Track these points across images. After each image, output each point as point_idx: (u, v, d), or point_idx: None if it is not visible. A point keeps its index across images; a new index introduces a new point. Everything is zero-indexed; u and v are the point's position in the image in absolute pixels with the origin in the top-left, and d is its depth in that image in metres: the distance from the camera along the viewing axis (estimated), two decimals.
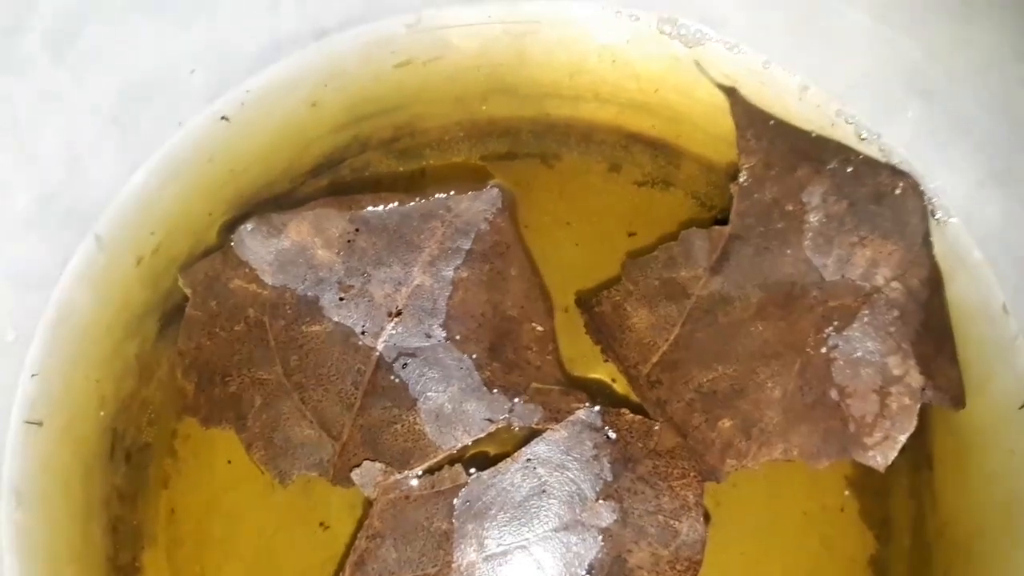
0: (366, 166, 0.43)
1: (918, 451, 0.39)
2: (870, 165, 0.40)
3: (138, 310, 0.41)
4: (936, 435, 0.39)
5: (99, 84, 0.38)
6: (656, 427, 0.35)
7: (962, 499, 0.39)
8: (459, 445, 0.36)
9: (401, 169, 0.43)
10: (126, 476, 0.40)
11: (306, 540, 0.39)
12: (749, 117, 0.42)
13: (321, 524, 0.39)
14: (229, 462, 0.40)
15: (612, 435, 0.35)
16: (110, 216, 0.40)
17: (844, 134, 0.41)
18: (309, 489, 0.39)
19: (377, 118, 0.43)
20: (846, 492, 0.39)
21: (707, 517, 0.35)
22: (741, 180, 0.40)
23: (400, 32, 0.43)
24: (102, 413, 0.40)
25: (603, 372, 0.40)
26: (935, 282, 0.38)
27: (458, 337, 0.38)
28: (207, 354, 0.39)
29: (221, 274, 0.39)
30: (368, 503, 0.38)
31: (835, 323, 0.37)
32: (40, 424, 0.38)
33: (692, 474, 0.34)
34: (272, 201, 0.42)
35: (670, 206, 0.42)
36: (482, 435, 0.36)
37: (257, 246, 0.39)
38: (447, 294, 0.39)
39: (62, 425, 0.39)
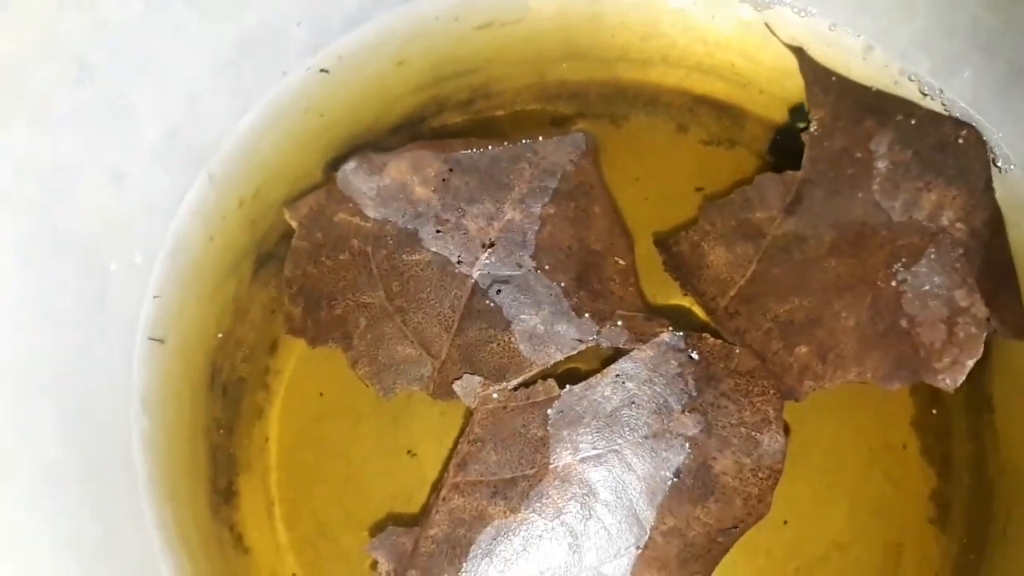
0: (443, 126, 0.45)
1: (977, 394, 0.41)
2: (933, 118, 0.42)
3: (238, 251, 0.43)
4: (995, 377, 0.41)
5: (221, 27, 0.40)
6: (736, 350, 0.38)
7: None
8: (551, 361, 0.38)
9: (477, 127, 0.45)
10: (224, 407, 0.42)
11: (394, 466, 0.41)
12: (815, 73, 0.44)
13: (409, 452, 0.41)
14: (320, 395, 0.42)
15: (695, 356, 0.38)
16: (221, 156, 0.43)
17: (907, 91, 0.43)
18: (396, 420, 0.41)
19: (457, 79, 0.45)
20: (909, 431, 0.41)
21: (787, 430, 0.37)
22: (812, 129, 0.42)
23: None
24: (204, 344, 0.42)
25: (682, 301, 0.42)
26: (997, 224, 0.40)
27: (547, 267, 0.40)
28: (313, 280, 0.41)
29: (326, 208, 0.42)
30: (454, 431, 0.40)
31: (903, 260, 0.39)
32: (162, 342, 0.41)
33: (771, 391, 0.37)
34: (367, 147, 0.44)
35: (735, 163, 0.44)
36: (573, 352, 0.38)
37: (359, 183, 0.42)
38: (536, 228, 0.41)
39: (176, 348, 0.42)
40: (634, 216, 0.43)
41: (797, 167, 0.41)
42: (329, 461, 0.41)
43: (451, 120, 0.45)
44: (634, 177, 0.44)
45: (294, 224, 0.42)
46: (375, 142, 0.44)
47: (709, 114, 0.45)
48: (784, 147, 0.44)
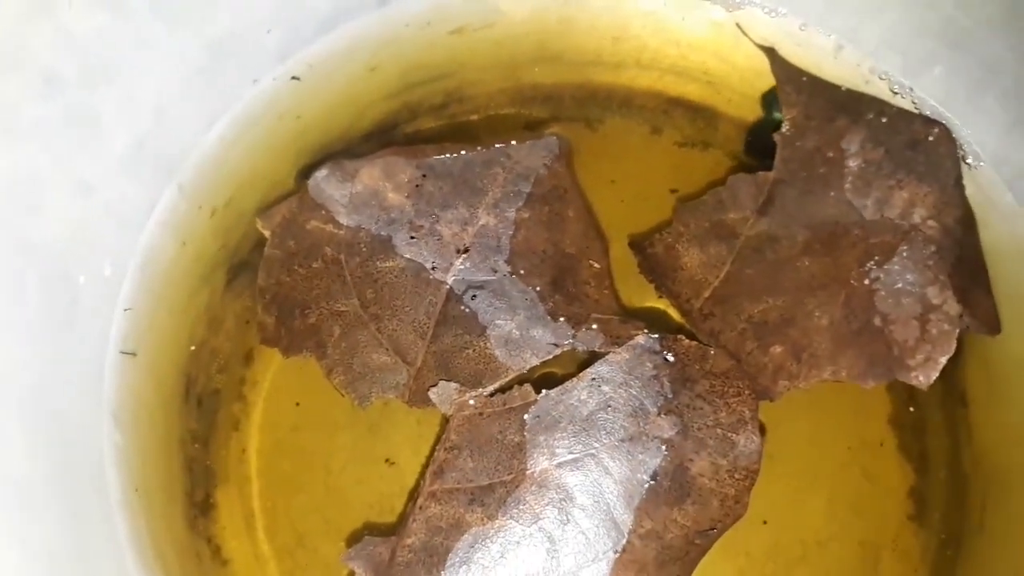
0: (417, 131, 0.44)
1: (952, 390, 0.42)
2: (904, 116, 0.42)
3: (210, 261, 0.43)
4: (968, 373, 0.41)
5: (188, 36, 0.40)
6: (711, 351, 0.38)
7: (996, 433, 0.41)
8: (527, 366, 0.38)
9: (450, 132, 0.44)
10: (199, 419, 0.42)
11: (372, 475, 0.41)
12: (787, 73, 0.44)
13: (387, 461, 0.41)
14: (297, 404, 0.42)
15: (670, 358, 0.38)
16: (191, 165, 0.42)
17: (878, 90, 0.44)
18: (374, 428, 0.41)
19: (430, 84, 0.44)
20: (886, 427, 0.41)
21: (762, 430, 0.37)
22: (784, 130, 0.42)
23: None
24: (178, 356, 0.42)
25: (657, 303, 0.42)
26: (968, 220, 0.40)
27: (522, 271, 0.40)
28: (286, 289, 0.41)
29: (298, 216, 0.42)
30: (431, 439, 0.40)
31: (876, 258, 0.39)
32: (134, 355, 0.41)
33: (747, 392, 0.37)
34: (339, 154, 0.43)
35: (709, 165, 0.44)
36: (548, 357, 0.38)
37: (332, 190, 0.42)
38: (510, 233, 0.41)
39: (148, 360, 0.41)
40: (609, 218, 0.43)
41: (771, 167, 0.42)
42: (307, 471, 0.41)
43: (425, 125, 0.45)
44: (609, 180, 0.44)
45: (266, 233, 0.42)
46: (348, 149, 0.44)
47: (683, 116, 0.45)
48: (759, 147, 0.44)
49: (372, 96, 0.44)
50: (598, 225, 0.43)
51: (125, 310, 0.41)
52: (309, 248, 0.41)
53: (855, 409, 0.42)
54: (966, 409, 0.42)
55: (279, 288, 0.41)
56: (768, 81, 0.44)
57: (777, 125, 0.43)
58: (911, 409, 0.42)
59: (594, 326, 0.39)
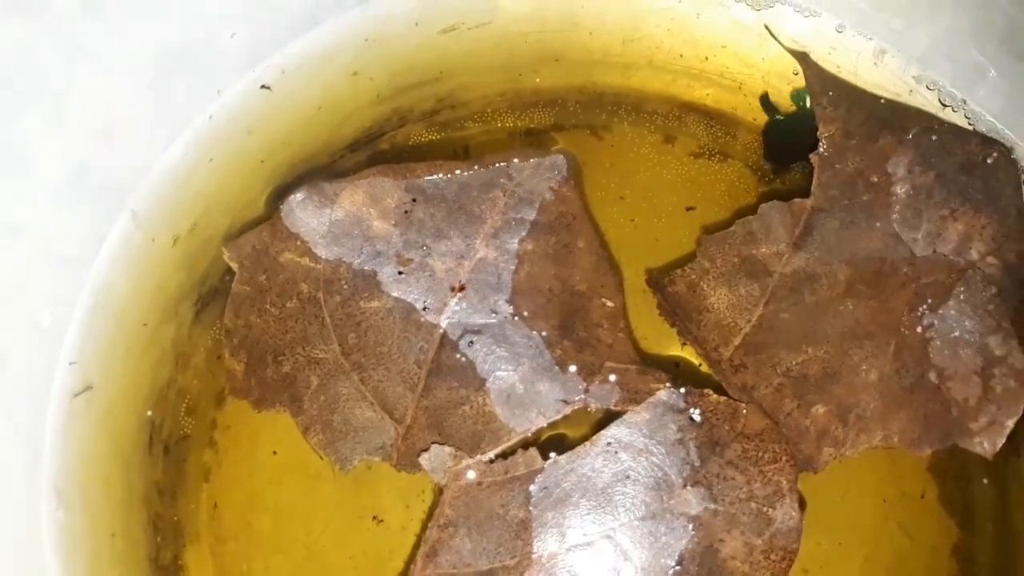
0: (406, 140, 0.41)
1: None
2: (957, 134, 0.38)
3: (174, 293, 0.39)
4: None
5: (135, 44, 0.36)
6: (743, 408, 0.33)
7: None
8: (533, 428, 0.34)
9: (443, 142, 0.41)
10: (165, 470, 0.38)
11: (359, 535, 0.37)
12: (823, 83, 0.39)
13: (374, 518, 0.37)
14: (274, 453, 0.38)
15: (697, 417, 0.33)
16: (146, 191, 0.38)
17: (925, 102, 0.40)
18: (360, 481, 0.37)
19: (419, 88, 0.41)
20: (926, 477, 0.38)
21: (802, 504, 0.33)
22: (821, 150, 0.38)
23: None
24: (139, 400, 0.38)
25: (679, 350, 0.38)
26: None
27: (526, 313, 0.36)
28: (257, 332, 0.36)
29: (270, 247, 0.37)
30: (425, 493, 0.36)
31: (929, 301, 0.35)
32: (90, 388, 0.36)
33: (784, 457, 0.32)
34: (317, 172, 0.40)
35: (728, 178, 0.40)
36: (557, 417, 0.34)
37: (308, 217, 0.37)
38: (512, 268, 0.36)
39: (100, 416, 0.37)
40: (620, 242, 0.39)
41: (793, 173, 0.38)
42: (285, 529, 0.38)
43: (414, 134, 0.41)
44: (618, 196, 0.40)
45: (234, 265, 0.38)
46: (328, 166, 0.40)
47: (698, 123, 0.41)
48: (779, 150, 0.41)
49: (354, 103, 0.41)
50: (611, 257, 0.38)
51: (70, 364, 0.36)
52: (283, 284, 0.37)
53: (892, 456, 0.38)
54: (1019, 459, 0.38)
55: (249, 331, 0.36)
56: (795, 85, 0.40)
57: (801, 123, 0.39)
58: (953, 457, 0.38)
59: (610, 378, 0.34)
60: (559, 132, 0.41)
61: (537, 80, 0.41)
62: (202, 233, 0.39)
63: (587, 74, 0.41)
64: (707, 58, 0.41)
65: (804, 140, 0.39)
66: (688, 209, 0.40)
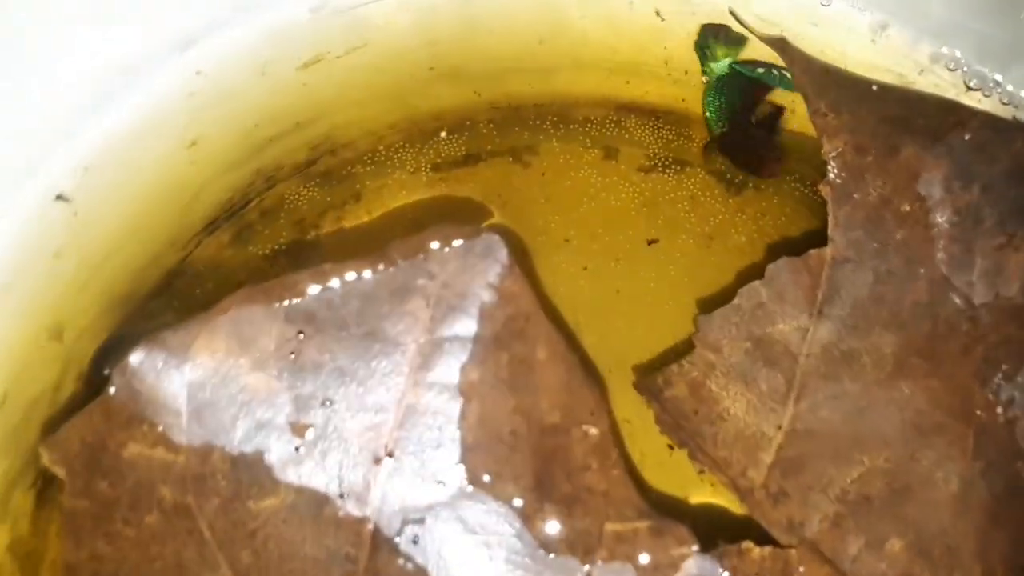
0: (279, 205, 0.34)
1: None
2: (995, 128, 0.30)
3: None
4: None
5: None
6: (795, 557, 0.25)
7: None
8: None
9: (328, 197, 0.34)
10: None
11: None
12: (816, 81, 0.31)
13: None
14: None
15: None
16: None
17: (946, 85, 0.31)
18: None
19: (283, 140, 0.34)
20: None
21: None
22: (831, 177, 0.29)
23: (302, 21, 0.33)
24: None
25: (697, 480, 0.28)
26: None
27: (487, 477, 0.26)
28: (110, 566, 0.26)
29: (107, 438, 0.26)
30: None
31: (1004, 367, 0.27)
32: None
33: None
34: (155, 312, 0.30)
35: (690, 192, 0.33)
36: None
37: (153, 387, 0.26)
38: (457, 412, 0.26)
39: None
40: (575, 302, 0.32)
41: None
42: None
43: (289, 194, 0.34)
44: (562, 239, 0.33)
45: (60, 473, 0.26)
46: (183, 257, 0.32)
47: (642, 126, 0.35)
48: (739, 149, 0.34)
49: (202, 176, 0.33)
50: (583, 359, 0.29)
51: None
52: (135, 492, 0.26)
53: None
54: None
55: (98, 564, 0.26)
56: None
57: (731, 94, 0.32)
58: None
59: (617, 548, 0.25)
60: (474, 165, 0.34)
61: (434, 102, 0.34)
62: (15, 402, 0.29)
63: (497, 86, 0.34)
64: (645, 47, 0.34)
65: (748, 114, 0.32)
66: (650, 243, 0.33)
